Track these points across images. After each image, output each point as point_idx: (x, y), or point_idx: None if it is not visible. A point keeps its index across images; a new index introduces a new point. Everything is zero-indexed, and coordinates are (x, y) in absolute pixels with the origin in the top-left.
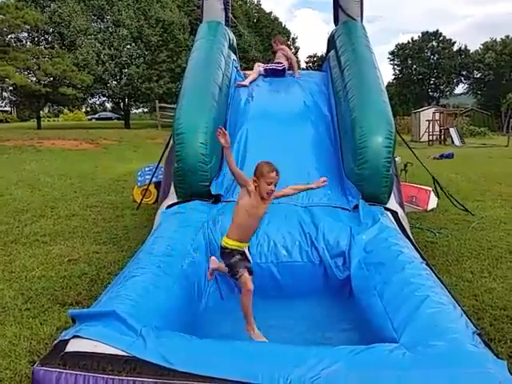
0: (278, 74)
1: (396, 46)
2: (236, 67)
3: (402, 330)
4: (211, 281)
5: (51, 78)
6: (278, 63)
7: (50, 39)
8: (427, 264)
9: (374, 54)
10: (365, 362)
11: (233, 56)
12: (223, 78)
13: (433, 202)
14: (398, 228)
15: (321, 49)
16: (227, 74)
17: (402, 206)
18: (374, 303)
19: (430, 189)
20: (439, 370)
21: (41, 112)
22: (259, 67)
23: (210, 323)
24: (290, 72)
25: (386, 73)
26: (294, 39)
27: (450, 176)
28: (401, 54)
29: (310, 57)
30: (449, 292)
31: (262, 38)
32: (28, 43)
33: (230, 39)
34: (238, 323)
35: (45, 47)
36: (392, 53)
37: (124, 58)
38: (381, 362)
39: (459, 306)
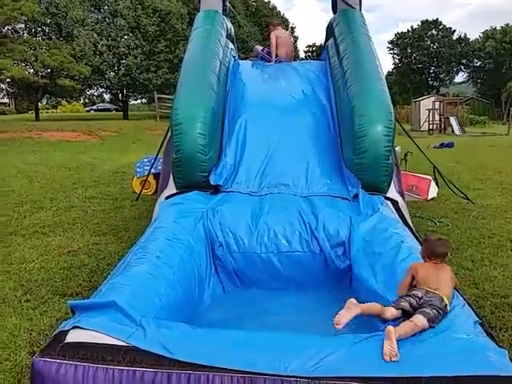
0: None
1: (395, 34)
2: (234, 57)
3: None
4: (213, 273)
5: (49, 70)
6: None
7: (47, 30)
8: None
9: (373, 43)
10: (366, 351)
11: (231, 45)
12: (221, 67)
13: (433, 191)
14: (398, 217)
15: (320, 38)
16: (225, 63)
17: (402, 195)
18: (374, 292)
19: (430, 178)
20: (439, 358)
21: (39, 104)
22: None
23: (211, 313)
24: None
25: (386, 62)
26: (292, 28)
27: (451, 165)
28: (400, 43)
29: (308, 46)
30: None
31: (260, 28)
32: (25, 34)
33: (227, 28)
34: (237, 313)
35: (42, 38)
36: (391, 42)
37: (122, 49)
38: (381, 351)
39: (460, 294)
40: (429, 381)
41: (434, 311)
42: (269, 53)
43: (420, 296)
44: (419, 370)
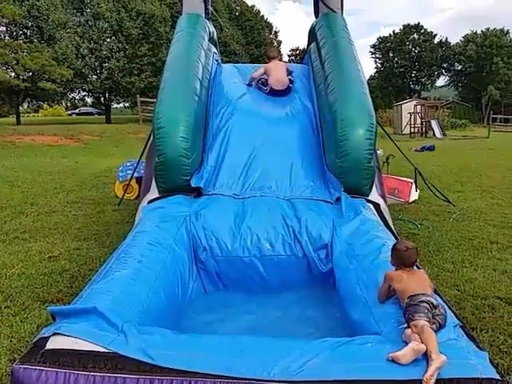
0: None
1: (377, 39)
2: (217, 60)
3: (384, 322)
4: (196, 277)
5: (30, 73)
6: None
7: (28, 33)
8: None
9: (355, 47)
10: (348, 354)
11: (213, 49)
12: (203, 71)
13: (414, 194)
14: (380, 220)
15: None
16: (207, 67)
17: (384, 198)
18: (356, 295)
19: (411, 181)
20: (421, 361)
21: (20, 107)
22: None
23: (193, 318)
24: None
25: (368, 66)
26: (276, 33)
27: (432, 168)
28: (382, 47)
29: (292, 50)
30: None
31: (244, 32)
32: (6, 37)
33: (210, 32)
34: (220, 317)
35: (23, 41)
36: (373, 46)
37: (104, 52)
38: (364, 354)
39: (440, 297)
40: (412, 383)
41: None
42: (263, 83)
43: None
44: (401, 372)
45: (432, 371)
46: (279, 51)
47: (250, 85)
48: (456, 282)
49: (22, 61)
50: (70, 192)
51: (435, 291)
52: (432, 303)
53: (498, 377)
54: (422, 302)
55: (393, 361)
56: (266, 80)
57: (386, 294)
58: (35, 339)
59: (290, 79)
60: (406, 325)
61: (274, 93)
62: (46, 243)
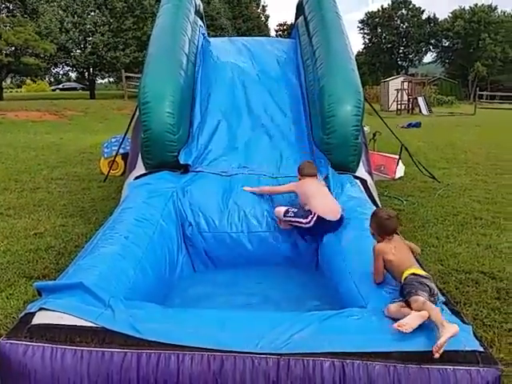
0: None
1: (366, 14)
2: (203, 34)
3: (368, 296)
4: (183, 252)
5: (13, 48)
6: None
7: (11, 7)
8: None
9: (343, 21)
10: (335, 327)
11: (199, 22)
12: (190, 44)
13: (400, 170)
14: (366, 196)
15: (291, 17)
16: (194, 40)
17: (370, 174)
18: (341, 271)
19: (397, 157)
20: (408, 334)
21: (3, 83)
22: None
23: (181, 294)
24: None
25: (356, 42)
26: (264, 7)
27: (418, 144)
28: (370, 23)
29: (280, 25)
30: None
31: (231, 6)
32: None
33: (196, 5)
34: (208, 292)
35: (6, 15)
36: (362, 21)
37: (88, 26)
38: (350, 327)
39: (425, 270)
40: (397, 354)
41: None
42: (298, 213)
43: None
44: (388, 345)
45: (446, 338)
46: (315, 168)
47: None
48: (440, 257)
49: (4, 35)
50: (55, 168)
51: (417, 260)
52: (433, 291)
53: (481, 349)
54: (426, 284)
55: (398, 331)
56: (302, 208)
57: (382, 271)
58: (21, 315)
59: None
60: (399, 299)
61: (323, 224)
62: (31, 220)
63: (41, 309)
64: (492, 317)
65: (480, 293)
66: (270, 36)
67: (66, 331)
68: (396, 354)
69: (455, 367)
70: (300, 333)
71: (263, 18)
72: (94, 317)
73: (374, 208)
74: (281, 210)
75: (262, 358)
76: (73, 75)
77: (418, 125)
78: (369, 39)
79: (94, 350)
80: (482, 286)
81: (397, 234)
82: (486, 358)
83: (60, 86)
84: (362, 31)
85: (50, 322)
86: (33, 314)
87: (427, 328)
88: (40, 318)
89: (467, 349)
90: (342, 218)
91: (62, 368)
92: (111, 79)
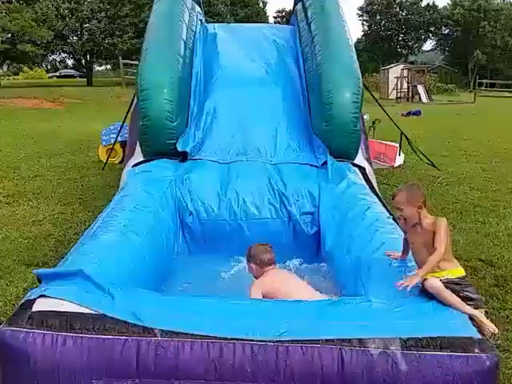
0: None
1: (365, 1)
2: (201, 20)
3: (369, 284)
4: (181, 240)
5: (9, 35)
6: None
7: None
8: (393, 218)
9: (342, 8)
10: (335, 314)
11: (197, 8)
12: (187, 31)
13: (400, 158)
14: (365, 184)
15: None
16: (191, 27)
17: (369, 162)
18: (342, 258)
19: (397, 145)
20: (408, 320)
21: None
22: None
23: (180, 281)
24: None
25: (355, 29)
26: None
27: (418, 133)
28: (370, 10)
29: (278, 12)
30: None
31: None
32: None
33: None
34: (205, 278)
35: (2, 2)
36: (361, 8)
37: (85, 12)
38: (348, 314)
39: None
40: (395, 340)
41: None
42: None
43: None
44: (388, 331)
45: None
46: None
47: None
48: None
49: (0, 22)
50: (53, 156)
51: None
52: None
53: (478, 336)
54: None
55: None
56: None
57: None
58: (21, 301)
59: None
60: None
61: None
62: (30, 207)
63: (41, 296)
64: (490, 304)
65: (478, 280)
66: (268, 23)
67: (67, 318)
68: (394, 340)
69: (452, 353)
70: (299, 320)
71: (261, 5)
72: (94, 304)
73: (373, 195)
74: None
75: (260, 345)
76: (70, 62)
77: (418, 113)
78: (368, 26)
79: (94, 336)
80: (481, 273)
81: None
82: (484, 344)
83: (57, 74)
84: (361, 18)
85: (51, 309)
86: (33, 301)
87: (424, 315)
88: (40, 305)
89: (464, 335)
90: None
91: (62, 355)
92: (108, 66)
